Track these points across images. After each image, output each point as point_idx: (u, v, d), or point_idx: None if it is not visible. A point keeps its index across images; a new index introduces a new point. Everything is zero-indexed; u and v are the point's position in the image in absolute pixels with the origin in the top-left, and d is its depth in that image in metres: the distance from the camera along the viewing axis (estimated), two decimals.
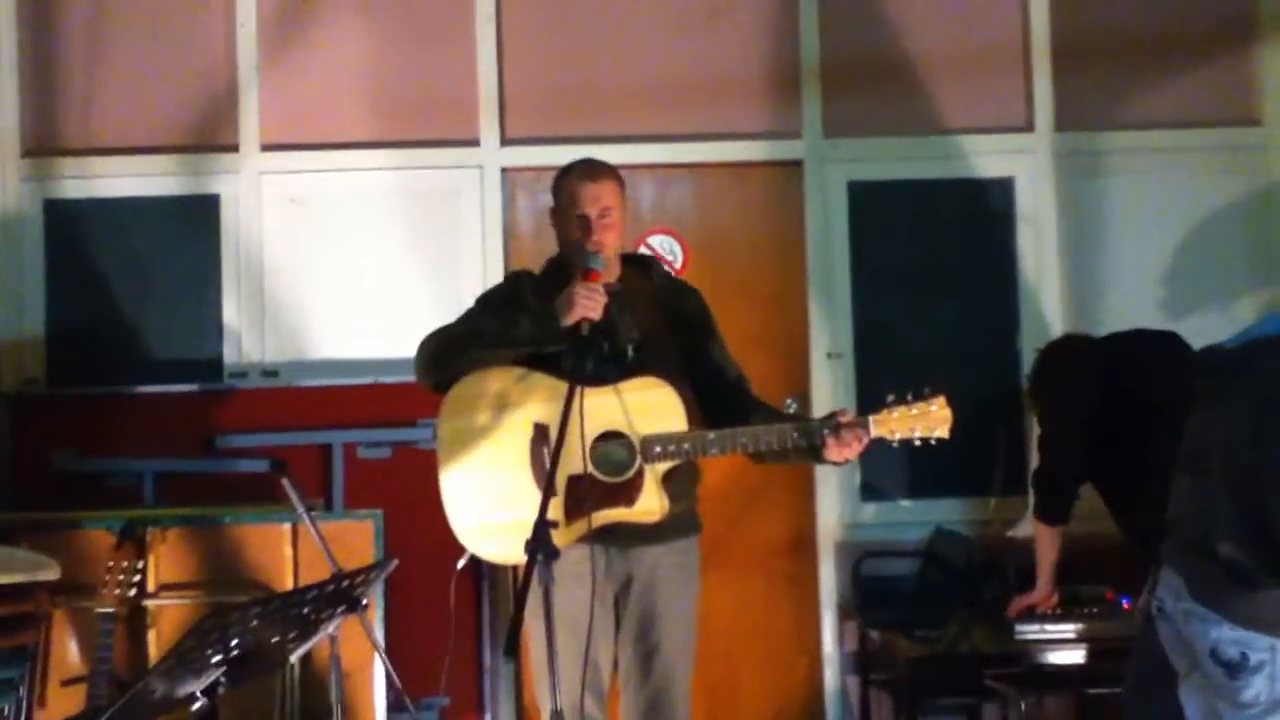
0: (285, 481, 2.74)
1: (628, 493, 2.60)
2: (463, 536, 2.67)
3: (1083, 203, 4.42)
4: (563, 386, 2.44)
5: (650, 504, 2.61)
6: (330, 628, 2.45)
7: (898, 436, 2.56)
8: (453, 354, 2.70)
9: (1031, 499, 3.60)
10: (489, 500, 2.61)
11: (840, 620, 4.30)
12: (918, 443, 2.57)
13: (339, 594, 2.33)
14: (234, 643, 2.01)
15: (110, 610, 3.26)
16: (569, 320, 2.57)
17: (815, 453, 2.59)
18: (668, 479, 2.64)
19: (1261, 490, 2.34)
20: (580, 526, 2.60)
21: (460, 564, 2.68)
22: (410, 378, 3.97)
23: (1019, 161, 4.41)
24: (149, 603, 3.53)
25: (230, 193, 4.27)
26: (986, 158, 4.41)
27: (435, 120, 4.33)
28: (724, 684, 4.26)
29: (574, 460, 2.55)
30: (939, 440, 2.57)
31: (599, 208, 2.72)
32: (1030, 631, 3.48)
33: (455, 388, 2.68)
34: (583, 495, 2.58)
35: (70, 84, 4.29)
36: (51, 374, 4.21)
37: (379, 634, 3.57)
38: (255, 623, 2.06)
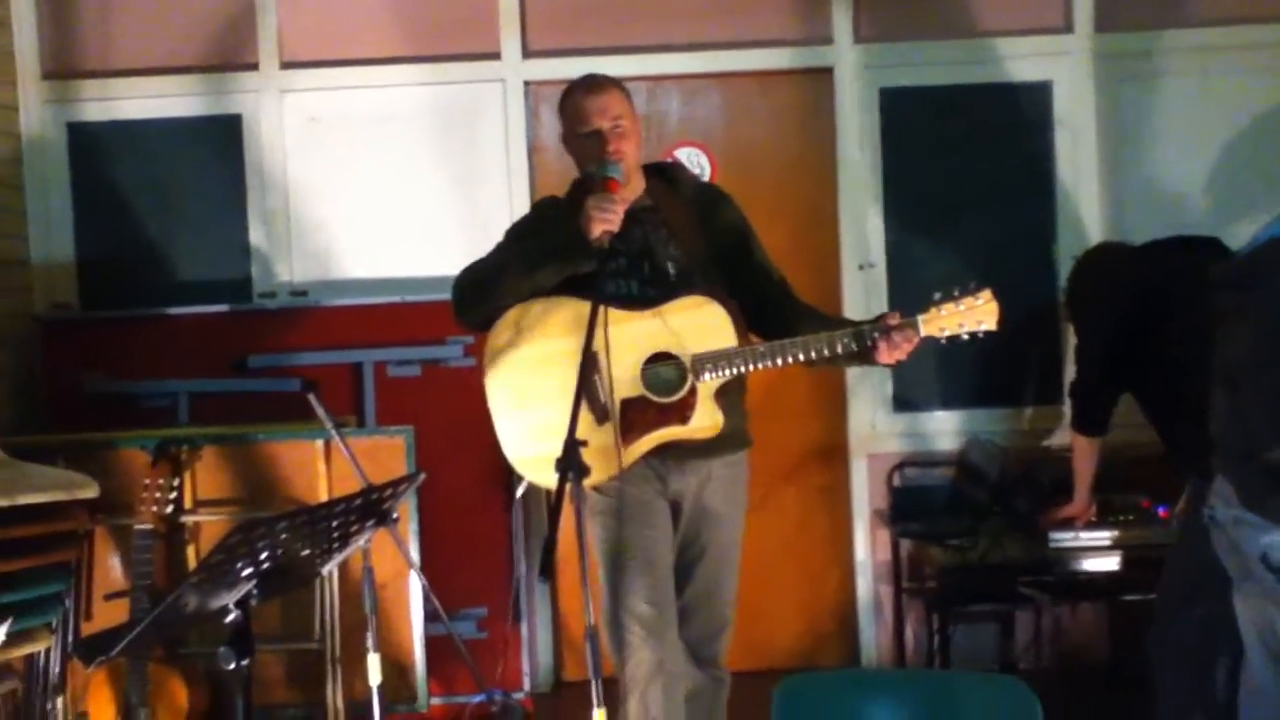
0: (312, 399, 2.76)
1: (680, 411, 2.60)
2: (520, 467, 2.67)
3: (1123, 106, 4.29)
4: (607, 312, 2.45)
5: (705, 420, 2.62)
6: (361, 541, 2.46)
7: (946, 333, 2.56)
8: (487, 289, 2.67)
9: (1069, 410, 3.56)
10: (542, 430, 2.59)
11: (872, 530, 4.31)
12: (965, 337, 2.56)
13: (368, 507, 2.34)
14: (263, 556, 2.02)
15: (148, 527, 3.33)
16: (592, 236, 2.53)
17: (866, 356, 2.58)
18: (720, 395, 2.64)
19: None
20: (637, 449, 2.60)
21: (519, 492, 2.68)
22: (438, 296, 3.99)
23: (1057, 64, 4.28)
24: (186, 519, 3.59)
25: (252, 112, 4.25)
26: (1023, 61, 4.28)
27: (455, 33, 4.26)
28: (757, 594, 4.27)
29: (625, 384, 2.57)
30: (986, 333, 2.56)
31: (609, 118, 2.67)
32: (1064, 539, 3.47)
33: (499, 322, 2.66)
34: (635, 418, 2.58)
35: (88, 3, 4.25)
36: (83, 297, 4.25)
37: (413, 548, 3.62)
38: (284, 536, 2.07)
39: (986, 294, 2.56)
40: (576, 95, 2.72)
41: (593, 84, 2.73)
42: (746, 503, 2.82)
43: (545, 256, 2.63)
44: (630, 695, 2.64)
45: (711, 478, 2.72)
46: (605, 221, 2.52)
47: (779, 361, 2.57)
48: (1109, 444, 3.50)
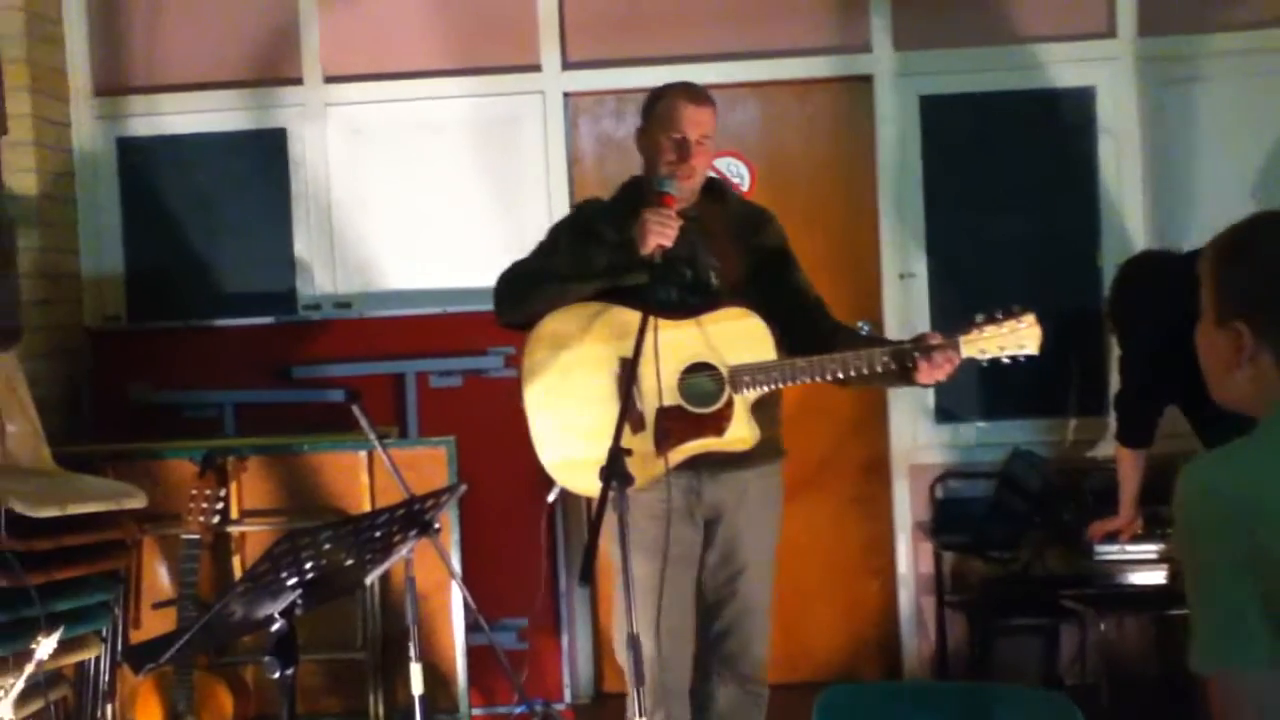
0: (355, 409, 2.78)
1: (716, 423, 2.60)
2: (553, 471, 2.67)
3: (1167, 111, 4.24)
4: (656, 323, 2.46)
5: (740, 432, 2.61)
6: (404, 551, 2.48)
7: (987, 356, 2.52)
8: (531, 293, 2.67)
9: (1113, 422, 3.52)
10: (577, 435, 2.61)
11: (914, 542, 4.27)
12: (1006, 360, 2.53)
13: (410, 517, 2.36)
14: (307, 566, 2.04)
15: (195, 536, 3.37)
16: (645, 249, 2.54)
17: (905, 375, 2.55)
18: (756, 406, 2.63)
19: None
20: (671, 458, 2.59)
21: (551, 498, 2.68)
22: (479, 307, 4.02)
23: (1100, 70, 4.24)
24: (232, 529, 3.63)
25: (296, 126, 4.30)
26: (1065, 66, 4.24)
27: (495, 46, 4.29)
28: (797, 605, 4.27)
29: (663, 393, 2.56)
30: (1027, 357, 2.53)
31: (700, 132, 2.68)
32: (1110, 552, 3.43)
33: (538, 325, 2.66)
34: (670, 427, 2.58)
35: (136, 20, 4.33)
36: (130, 309, 4.32)
37: (454, 558, 3.64)
38: (327, 546, 2.09)
39: (1030, 318, 2.52)
40: (674, 97, 2.71)
41: (695, 93, 2.73)
42: (781, 513, 2.81)
43: (595, 266, 2.63)
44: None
45: (748, 490, 2.71)
46: (662, 235, 2.53)
47: (817, 378, 2.56)
48: (1155, 455, 3.46)
